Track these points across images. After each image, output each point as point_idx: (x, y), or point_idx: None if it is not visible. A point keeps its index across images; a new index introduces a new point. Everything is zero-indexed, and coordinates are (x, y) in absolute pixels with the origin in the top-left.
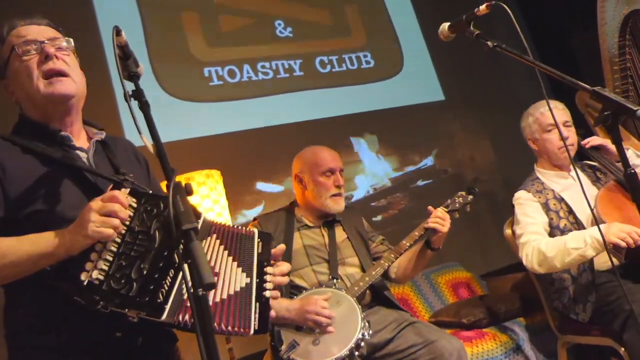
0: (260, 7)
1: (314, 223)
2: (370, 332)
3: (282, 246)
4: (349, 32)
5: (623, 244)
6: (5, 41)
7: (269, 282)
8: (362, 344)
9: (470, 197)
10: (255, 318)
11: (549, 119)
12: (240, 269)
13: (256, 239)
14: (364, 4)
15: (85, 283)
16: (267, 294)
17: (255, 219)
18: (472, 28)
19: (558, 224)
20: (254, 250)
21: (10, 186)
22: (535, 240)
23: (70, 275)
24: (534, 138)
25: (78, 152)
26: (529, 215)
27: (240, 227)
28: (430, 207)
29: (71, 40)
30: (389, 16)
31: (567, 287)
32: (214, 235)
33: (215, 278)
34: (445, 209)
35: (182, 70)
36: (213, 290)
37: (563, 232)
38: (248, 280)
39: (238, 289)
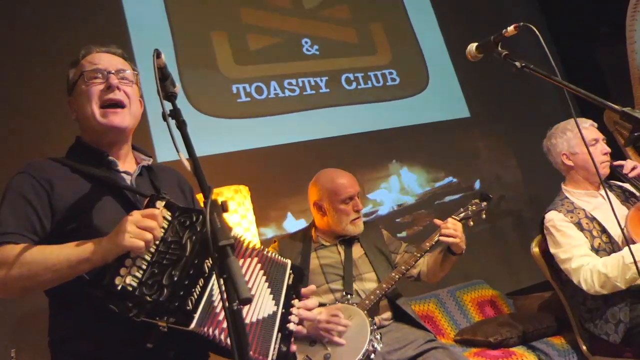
0: (287, 26)
1: (330, 242)
2: (382, 345)
3: (312, 287)
4: (375, 49)
5: None
6: (79, 64)
7: (295, 315)
8: (373, 355)
9: (485, 203)
10: (274, 348)
11: (593, 134)
12: (271, 297)
13: (288, 270)
14: (390, 22)
15: (119, 288)
16: (291, 326)
17: (275, 241)
18: (500, 49)
19: (592, 243)
20: (284, 280)
21: (57, 202)
22: (589, 262)
23: (105, 280)
24: (573, 152)
25: (123, 174)
26: (570, 237)
27: (274, 254)
28: (437, 220)
29: (137, 72)
30: (415, 34)
31: (599, 307)
32: (255, 259)
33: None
34: (457, 218)
35: (211, 87)
36: (245, 311)
37: (597, 251)
38: (275, 308)
39: (266, 315)
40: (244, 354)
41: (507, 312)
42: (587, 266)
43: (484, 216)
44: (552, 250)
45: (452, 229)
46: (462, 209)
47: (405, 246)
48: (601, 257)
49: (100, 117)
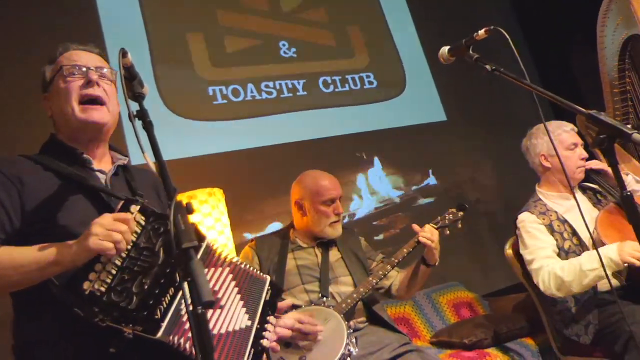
0: (265, 28)
1: (307, 244)
2: (357, 349)
3: (288, 302)
4: (352, 53)
5: (638, 263)
6: (56, 61)
7: (270, 331)
8: (348, 359)
9: (461, 213)
10: None
11: (573, 138)
12: (244, 309)
13: (267, 286)
14: (367, 26)
15: (87, 292)
16: (265, 342)
17: (252, 240)
18: (471, 52)
19: (562, 245)
20: (262, 296)
21: (27, 200)
22: (549, 265)
23: (73, 284)
24: (551, 154)
25: (97, 173)
26: (537, 239)
27: (254, 269)
28: (415, 225)
29: (116, 70)
30: (392, 38)
31: (570, 309)
32: (227, 269)
33: (218, 301)
34: (435, 226)
35: (187, 88)
36: (214, 320)
37: (567, 253)
38: (249, 323)
39: (237, 328)
40: (208, 358)
41: (483, 313)
42: (546, 268)
43: (459, 225)
44: (521, 251)
45: (429, 233)
46: (439, 218)
47: (382, 257)
48: (571, 258)
49: (79, 112)
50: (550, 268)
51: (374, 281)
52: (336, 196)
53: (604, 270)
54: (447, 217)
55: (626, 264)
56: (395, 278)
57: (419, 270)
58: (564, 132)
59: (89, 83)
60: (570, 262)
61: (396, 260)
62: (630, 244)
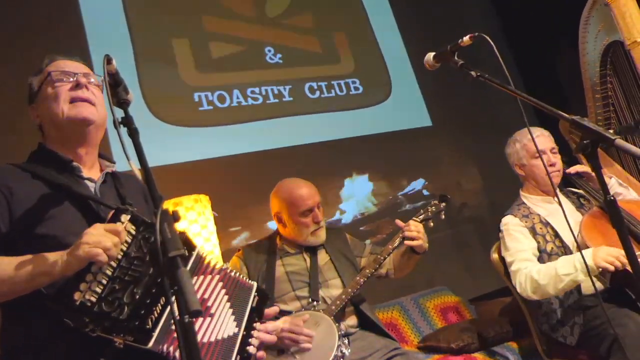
0: (250, 34)
1: (295, 250)
2: (350, 350)
3: (275, 308)
4: (338, 58)
5: (611, 268)
6: (42, 71)
7: (255, 338)
8: None
9: (443, 204)
10: None
11: (541, 144)
12: (233, 317)
13: (254, 292)
14: (353, 32)
15: (77, 303)
16: (251, 349)
17: (239, 249)
18: (456, 58)
19: (545, 247)
20: (248, 302)
21: (16, 208)
22: (527, 267)
23: (64, 294)
24: (522, 164)
25: (87, 181)
26: (518, 242)
27: (240, 275)
28: (398, 221)
29: (101, 78)
30: (377, 43)
31: (555, 310)
32: (217, 276)
33: (207, 310)
34: (418, 219)
35: (172, 95)
36: (204, 329)
37: (550, 255)
38: (236, 330)
39: (226, 336)
40: None
41: (469, 318)
42: (524, 270)
43: (442, 217)
44: (502, 253)
45: (415, 230)
46: (422, 211)
47: (370, 248)
48: (548, 262)
49: (69, 110)
50: (528, 271)
51: (362, 280)
52: (313, 205)
53: (589, 274)
54: (429, 210)
55: (600, 269)
56: (389, 263)
57: (409, 257)
58: (529, 141)
59: (77, 85)
60: (547, 265)
61: (382, 258)
62: (605, 248)
